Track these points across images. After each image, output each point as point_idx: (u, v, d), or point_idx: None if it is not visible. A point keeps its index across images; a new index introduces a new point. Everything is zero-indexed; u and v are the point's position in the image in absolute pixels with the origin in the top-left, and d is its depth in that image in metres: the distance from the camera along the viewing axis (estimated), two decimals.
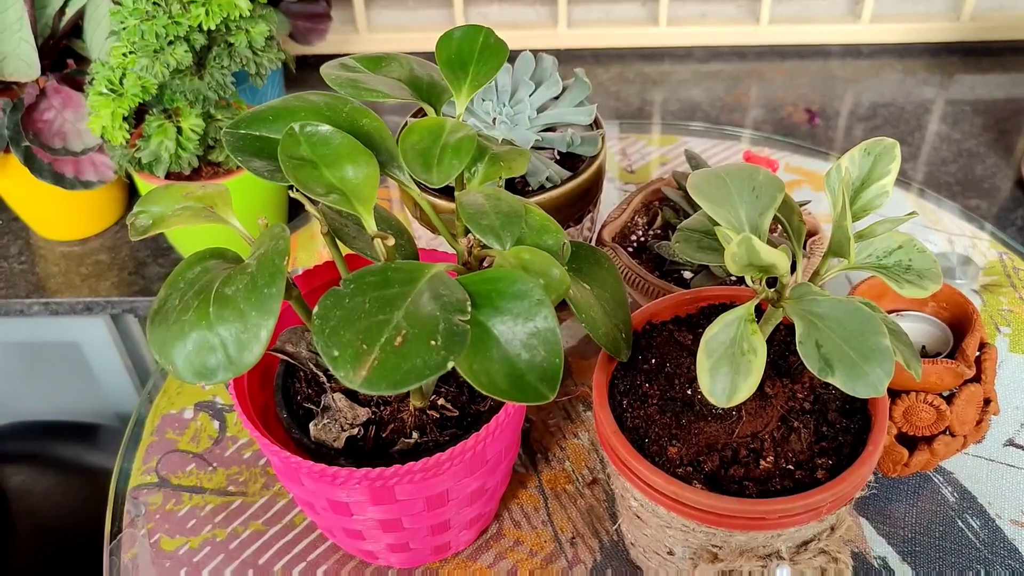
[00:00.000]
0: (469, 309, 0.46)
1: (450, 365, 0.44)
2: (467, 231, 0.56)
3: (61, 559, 1.01)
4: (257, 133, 0.54)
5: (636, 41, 1.35)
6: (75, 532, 1.01)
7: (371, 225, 0.50)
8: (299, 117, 0.54)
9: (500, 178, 0.56)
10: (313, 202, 0.53)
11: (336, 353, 0.43)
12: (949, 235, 0.87)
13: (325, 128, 0.52)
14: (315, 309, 0.45)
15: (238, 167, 0.93)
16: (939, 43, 1.34)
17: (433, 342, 0.44)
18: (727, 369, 0.47)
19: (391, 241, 0.49)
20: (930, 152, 1.18)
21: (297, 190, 0.51)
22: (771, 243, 0.51)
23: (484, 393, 0.46)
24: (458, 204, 0.52)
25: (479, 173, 0.56)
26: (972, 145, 1.18)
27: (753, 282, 0.49)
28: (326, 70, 0.58)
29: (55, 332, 1.11)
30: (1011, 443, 0.70)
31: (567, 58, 1.34)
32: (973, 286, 0.81)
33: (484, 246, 0.53)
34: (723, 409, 0.55)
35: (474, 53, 0.56)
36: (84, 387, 1.17)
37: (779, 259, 0.45)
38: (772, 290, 0.51)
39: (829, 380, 0.45)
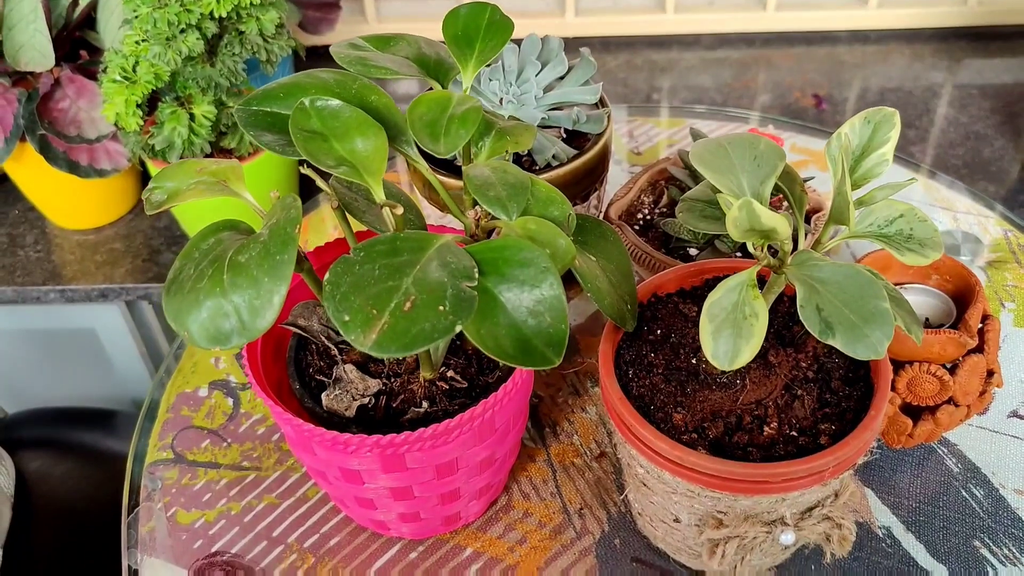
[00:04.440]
0: (476, 276, 0.47)
1: (458, 329, 0.45)
2: (474, 204, 0.57)
3: (79, 542, 1.02)
4: (268, 109, 0.56)
5: (644, 28, 1.36)
6: (92, 515, 1.03)
7: (380, 195, 0.51)
8: (309, 93, 0.55)
9: (507, 152, 0.57)
10: (324, 177, 0.54)
11: (347, 318, 0.44)
12: (954, 213, 0.87)
13: (335, 102, 0.53)
14: (326, 276, 0.46)
15: (250, 154, 0.95)
16: (947, 28, 1.34)
17: (441, 307, 0.45)
18: (729, 332, 0.48)
19: (400, 210, 0.50)
20: (938, 136, 1.18)
21: (308, 165, 0.52)
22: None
23: (492, 357, 0.47)
24: (465, 177, 0.53)
25: (486, 147, 0.57)
26: (980, 128, 1.19)
27: (755, 249, 0.50)
28: (336, 49, 0.60)
29: (71, 319, 1.12)
30: (1015, 415, 0.70)
31: (575, 46, 1.34)
32: (978, 263, 0.82)
33: (492, 217, 0.54)
34: (727, 377, 0.56)
35: (480, 29, 0.57)
36: (99, 373, 1.19)
37: (780, 223, 0.46)
38: (775, 258, 0.52)
39: (830, 342, 0.46)
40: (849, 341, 0.46)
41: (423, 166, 0.56)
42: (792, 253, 0.51)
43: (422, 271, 0.47)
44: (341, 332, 0.44)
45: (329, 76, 0.57)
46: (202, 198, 0.54)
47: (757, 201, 0.51)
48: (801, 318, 0.47)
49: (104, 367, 1.18)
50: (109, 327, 1.13)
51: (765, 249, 0.51)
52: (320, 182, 0.55)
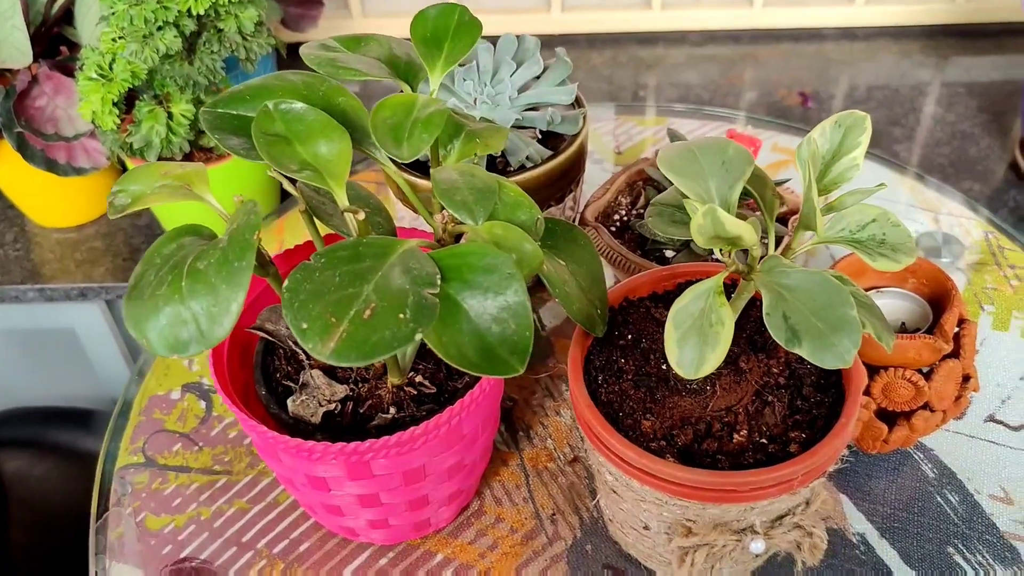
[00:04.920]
0: (438, 282, 0.47)
1: (418, 337, 0.44)
2: (443, 207, 0.56)
3: (58, 543, 1.02)
4: (235, 112, 0.55)
5: (630, 25, 1.35)
6: (71, 516, 1.02)
7: (343, 200, 0.51)
8: (276, 95, 0.54)
9: (476, 155, 0.56)
10: (292, 181, 0.53)
11: (305, 326, 0.44)
12: (936, 214, 0.87)
13: (299, 105, 0.52)
14: (285, 283, 0.45)
15: (228, 153, 0.94)
16: (935, 25, 1.34)
17: (402, 315, 0.45)
18: (695, 340, 0.47)
19: (361, 215, 0.50)
20: (924, 134, 1.18)
21: (275, 169, 0.51)
22: (741, 216, 0.52)
23: (453, 365, 0.46)
24: (432, 180, 0.52)
25: (455, 150, 0.57)
26: (966, 127, 1.18)
27: (722, 255, 0.49)
28: (305, 50, 0.59)
29: (50, 318, 1.12)
30: (992, 419, 0.70)
31: (561, 43, 1.34)
32: (958, 264, 0.81)
33: (459, 222, 0.53)
34: (697, 383, 0.55)
35: (449, 31, 0.56)
36: (79, 373, 1.18)
37: (745, 231, 0.45)
38: (744, 264, 0.51)
39: (796, 351, 0.45)
40: (816, 350, 0.45)
41: (391, 169, 0.55)
42: (762, 259, 0.50)
43: (384, 278, 0.46)
44: (299, 341, 0.43)
45: (297, 78, 0.56)
46: (166, 202, 0.54)
47: (726, 207, 0.50)
48: (767, 326, 0.46)
49: (84, 367, 1.17)
50: (89, 326, 1.12)
51: (734, 255, 0.50)
52: (288, 185, 0.55)
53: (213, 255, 0.46)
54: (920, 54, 1.30)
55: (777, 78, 1.28)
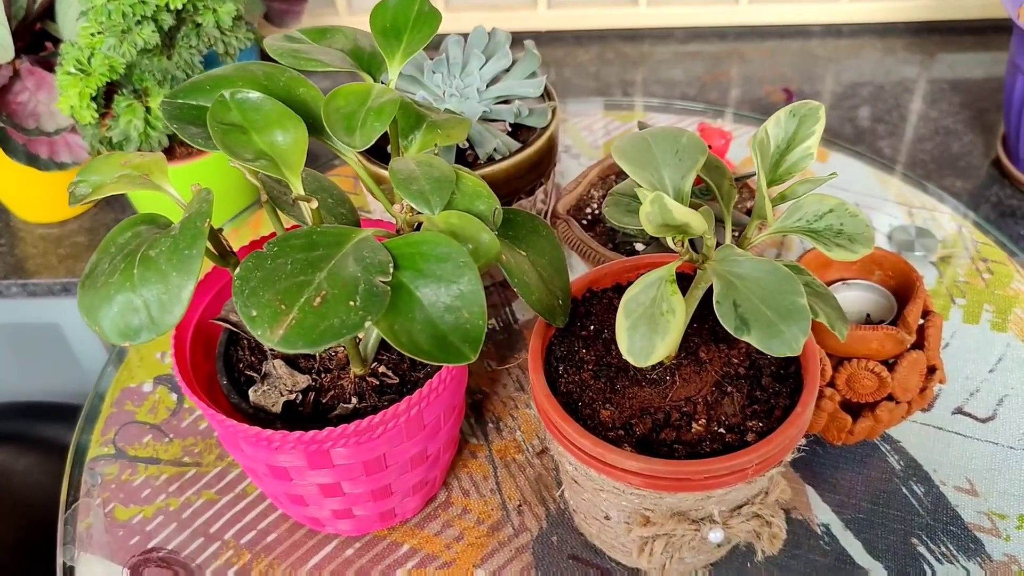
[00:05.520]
0: (391, 271, 0.47)
1: (368, 325, 0.45)
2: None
3: (41, 537, 1.02)
4: (194, 102, 0.55)
5: (617, 22, 1.35)
6: (54, 510, 1.02)
7: (297, 188, 0.51)
8: (236, 86, 0.54)
9: (436, 146, 0.56)
10: (254, 172, 0.53)
11: (254, 313, 0.44)
12: (910, 208, 0.87)
13: (255, 95, 0.52)
14: (236, 271, 0.45)
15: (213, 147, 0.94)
16: (919, 22, 1.33)
17: (352, 302, 0.45)
18: (645, 329, 0.47)
19: (314, 204, 0.50)
20: (907, 130, 1.18)
21: (230, 159, 0.51)
22: (696, 206, 0.52)
23: (405, 353, 0.47)
24: (390, 170, 0.52)
25: (416, 141, 0.57)
26: (950, 123, 1.18)
27: (674, 243, 0.49)
28: (269, 41, 0.59)
29: (34, 313, 1.12)
30: (959, 411, 0.70)
31: (547, 40, 1.34)
32: (931, 258, 0.81)
33: (417, 212, 0.53)
34: (657, 373, 0.55)
35: (408, 21, 0.56)
36: (63, 367, 1.18)
37: (693, 218, 0.45)
38: (699, 253, 0.51)
39: (745, 339, 0.45)
40: (764, 338, 0.45)
41: (351, 158, 0.55)
42: (717, 247, 0.50)
43: (337, 266, 0.47)
44: (248, 328, 0.43)
45: (258, 69, 0.56)
46: (125, 191, 0.54)
47: (679, 195, 0.50)
48: (717, 314, 0.46)
49: (68, 361, 1.17)
50: (72, 321, 1.12)
51: (686, 244, 0.50)
52: (250, 176, 0.55)
53: (165, 243, 0.47)
54: (904, 51, 1.30)
55: (762, 75, 1.28)
